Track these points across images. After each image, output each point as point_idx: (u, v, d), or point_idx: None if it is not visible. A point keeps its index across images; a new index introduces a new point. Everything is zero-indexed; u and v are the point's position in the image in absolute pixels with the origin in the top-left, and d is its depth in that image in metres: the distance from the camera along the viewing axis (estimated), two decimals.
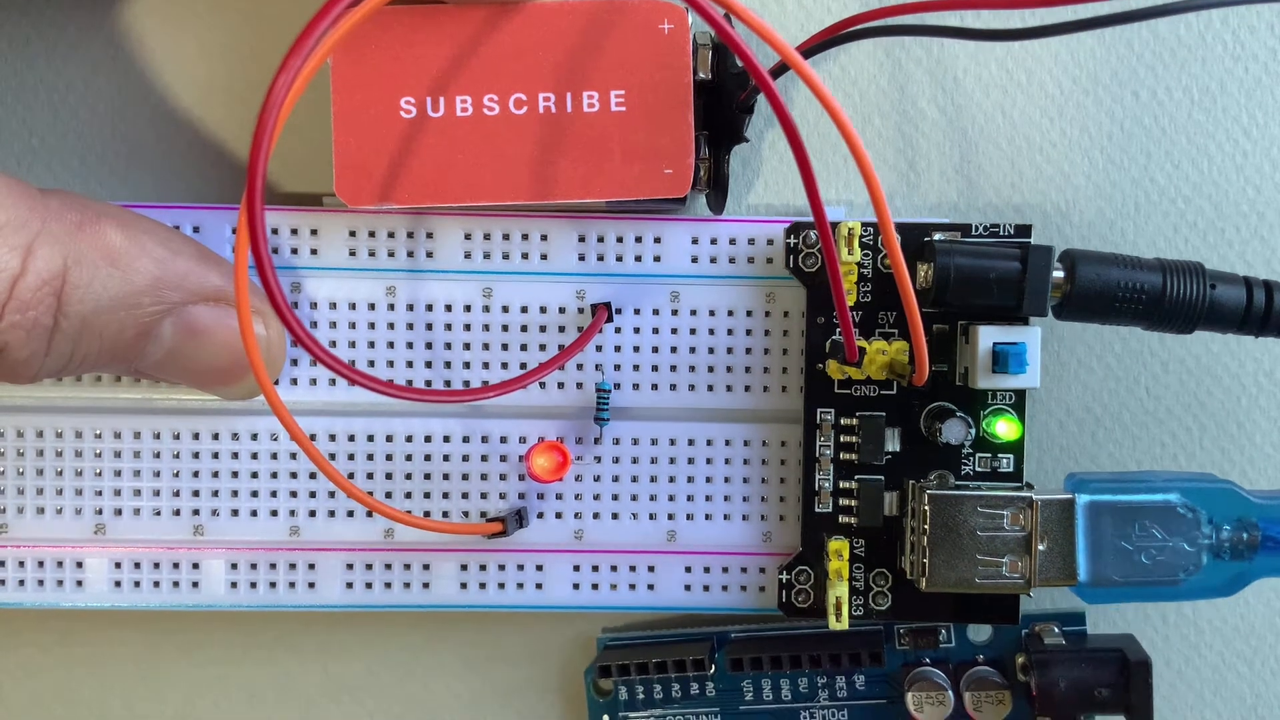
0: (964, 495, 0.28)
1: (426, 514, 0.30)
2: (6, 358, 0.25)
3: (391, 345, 0.30)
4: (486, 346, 0.30)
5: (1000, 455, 0.29)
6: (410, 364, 0.30)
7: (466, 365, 0.30)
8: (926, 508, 0.28)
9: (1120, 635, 0.31)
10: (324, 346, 0.25)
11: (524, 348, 0.30)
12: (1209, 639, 0.32)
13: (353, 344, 0.30)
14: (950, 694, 0.30)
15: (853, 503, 0.29)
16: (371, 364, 0.30)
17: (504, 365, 0.30)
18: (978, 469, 0.29)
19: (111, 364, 0.27)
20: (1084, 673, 0.29)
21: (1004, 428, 0.29)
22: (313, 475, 0.30)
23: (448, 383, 0.30)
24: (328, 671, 0.32)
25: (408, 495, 0.30)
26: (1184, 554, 0.28)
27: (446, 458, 0.30)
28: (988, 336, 0.28)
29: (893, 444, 0.29)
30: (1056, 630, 0.31)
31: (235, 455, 0.30)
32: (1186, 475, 0.30)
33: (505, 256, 0.30)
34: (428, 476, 0.30)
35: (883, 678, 0.31)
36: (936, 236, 0.28)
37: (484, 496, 0.30)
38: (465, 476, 0.30)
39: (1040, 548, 0.28)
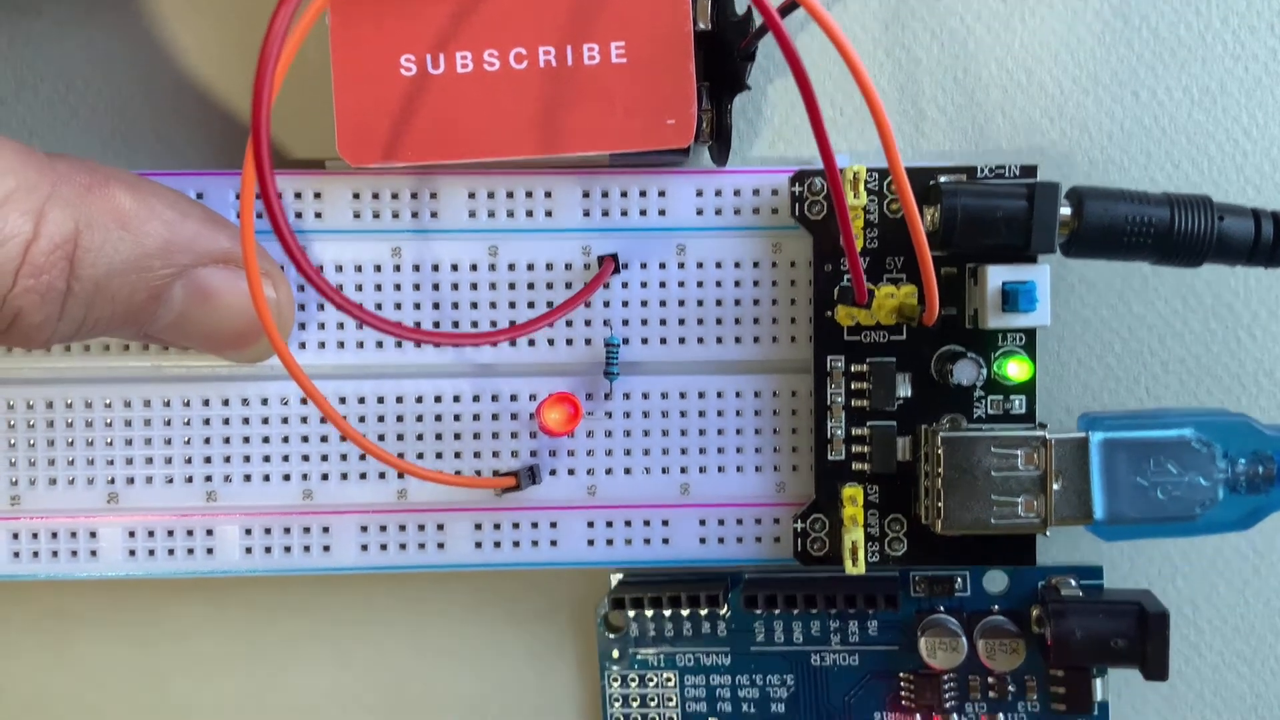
0: (977, 436, 0.28)
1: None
2: (21, 323, 0.25)
3: (399, 306, 0.30)
4: (494, 305, 0.30)
5: (1012, 397, 0.29)
6: (418, 324, 0.30)
7: (474, 324, 0.30)
8: (940, 450, 0.28)
9: (1138, 590, 0.31)
10: (336, 289, 0.25)
11: (531, 305, 0.30)
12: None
13: (360, 305, 0.30)
14: (964, 641, 0.30)
15: (865, 449, 0.29)
16: None
17: (511, 324, 0.30)
18: (990, 412, 0.29)
19: (123, 328, 0.27)
20: (1100, 623, 0.29)
21: (1015, 369, 0.29)
22: (324, 438, 0.30)
23: (455, 343, 0.30)
24: (344, 633, 0.32)
25: (419, 456, 0.30)
26: (1200, 489, 0.28)
27: (457, 418, 0.30)
28: (996, 276, 0.28)
29: (904, 389, 0.29)
30: (1073, 583, 0.31)
31: (246, 420, 0.30)
32: (1200, 410, 0.30)
33: (510, 214, 0.30)
34: (439, 437, 0.30)
35: (896, 624, 0.31)
36: (942, 179, 0.28)
37: (495, 455, 0.30)
38: (476, 436, 0.30)
39: (1055, 487, 0.28)
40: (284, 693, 0.33)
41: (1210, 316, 0.31)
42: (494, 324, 0.30)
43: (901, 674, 0.31)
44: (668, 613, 0.31)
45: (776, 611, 0.30)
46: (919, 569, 0.31)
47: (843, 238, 0.26)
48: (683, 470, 0.30)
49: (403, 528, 0.30)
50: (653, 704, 0.31)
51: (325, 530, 0.30)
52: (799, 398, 0.30)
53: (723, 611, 0.31)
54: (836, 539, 0.29)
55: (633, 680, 0.31)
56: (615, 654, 0.31)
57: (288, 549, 0.30)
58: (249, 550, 0.30)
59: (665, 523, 0.30)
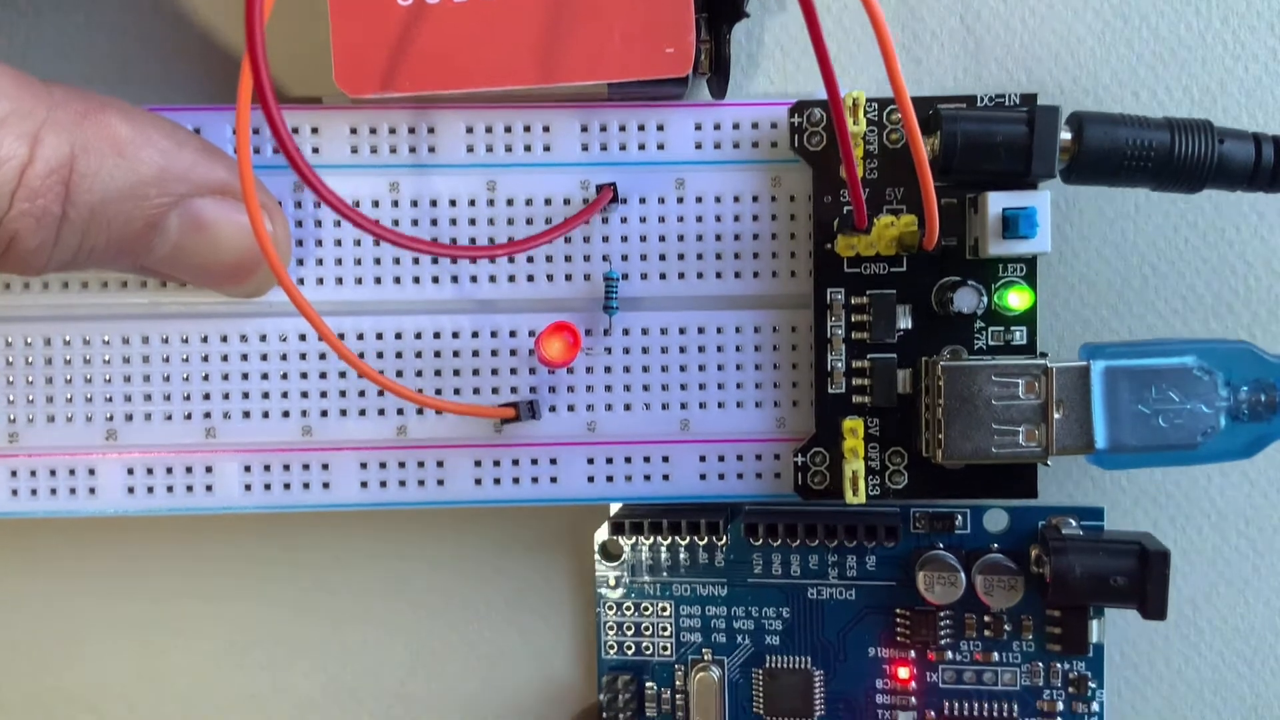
0: (978, 365, 0.28)
1: (439, 411, 0.30)
2: (16, 247, 0.25)
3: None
4: (492, 240, 0.30)
5: (1013, 328, 0.29)
6: (416, 260, 0.30)
7: (473, 260, 0.30)
8: (941, 380, 0.28)
9: (1139, 532, 0.31)
10: (349, 204, 0.25)
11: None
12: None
13: (358, 241, 0.30)
14: (962, 576, 0.30)
15: (866, 382, 0.29)
16: (378, 261, 0.30)
17: (510, 259, 0.30)
18: (991, 343, 0.29)
19: (118, 259, 0.27)
20: (1101, 560, 0.29)
21: (1016, 299, 0.29)
22: (324, 375, 0.30)
23: (454, 278, 0.30)
24: (344, 570, 0.32)
25: (419, 392, 0.30)
26: (1202, 417, 0.28)
27: (456, 354, 0.30)
28: (997, 202, 0.27)
29: (904, 321, 0.29)
30: (1074, 523, 0.30)
31: (245, 357, 0.30)
32: (1203, 339, 0.29)
33: (508, 149, 0.29)
34: (438, 373, 0.30)
35: (894, 560, 0.31)
36: (942, 107, 0.28)
37: (495, 392, 0.30)
38: (476, 372, 0.30)
39: (1056, 416, 0.28)
40: (281, 632, 0.32)
41: (1212, 246, 0.31)
42: (493, 259, 0.30)
43: (898, 610, 0.31)
44: (666, 541, 0.30)
45: (775, 543, 0.30)
46: (919, 505, 0.31)
47: (843, 158, 0.25)
48: (683, 406, 0.30)
49: (402, 464, 0.30)
50: (647, 633, 0.31)
51: (325, 467, 0.30)
52: (799, 333, 0.30)
53: (721, 542, 0.30)
54: (837, 472, 0.29)
55: (628, 609, 0.31)
56: (611, 582, 0.31)
57: (287, 486, 0.30)
58: (248, 487, 0.30)
59: (665, 459, 0.30)
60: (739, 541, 0.30)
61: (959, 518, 0.31)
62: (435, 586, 0.33)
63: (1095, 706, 0.30)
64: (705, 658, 0.31)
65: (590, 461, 0.30)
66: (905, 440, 0.29)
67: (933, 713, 0.31)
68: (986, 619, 0.31)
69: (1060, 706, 0.30)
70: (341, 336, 0.30)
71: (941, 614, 0.31)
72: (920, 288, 0.29)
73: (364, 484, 0.30)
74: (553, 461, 0.30)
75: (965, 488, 0.29)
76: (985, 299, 0.28)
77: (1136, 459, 0.28)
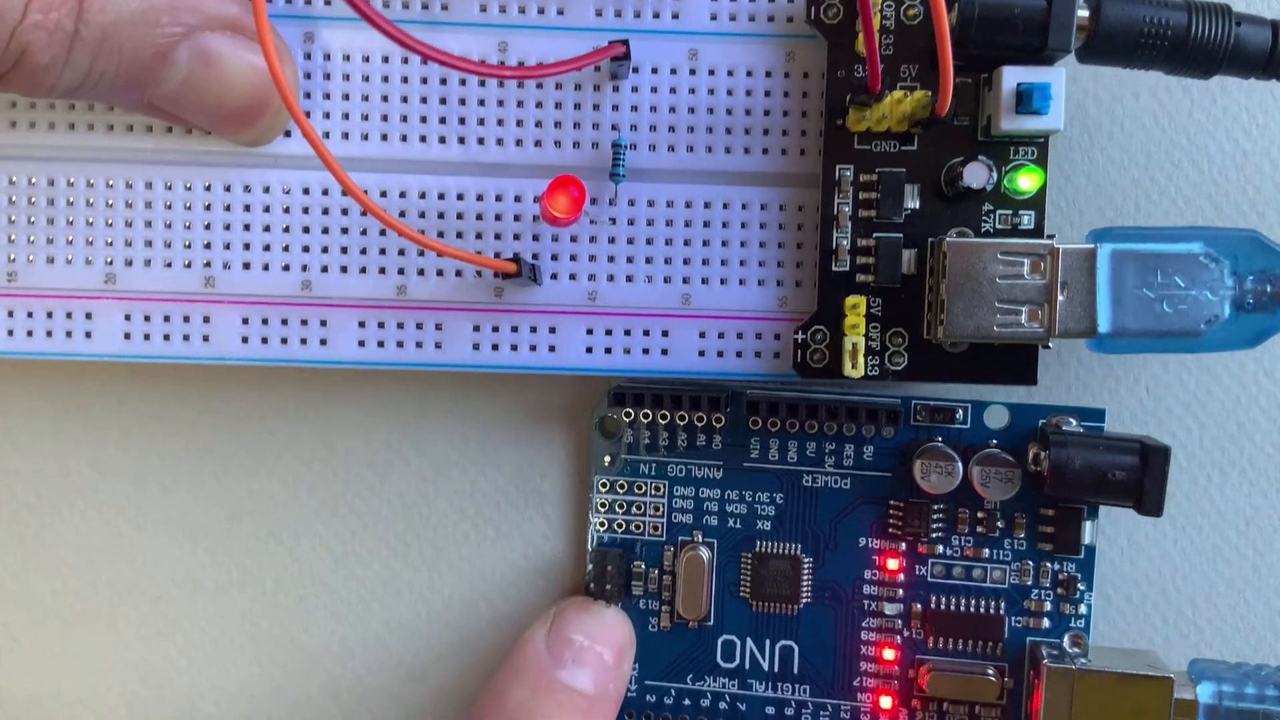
0: (984, 243, 0.28)
1: (439, 272, 0.30)
2: (27, 61, 0.24)
3: (405, 100, 0.29)
4: (501, 103, 0.29)
5: (1021, 212, 0.29)
6: (424, 119, 0.29)
7: (481, 122, 0.29)
8: (946, 256, 0.28)
9: (1139, 435, 0.30)
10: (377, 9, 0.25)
11: (539, 105, 0.29)
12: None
13: (366, 97, 0.29)
14: (959, 465, 0.30)
15: (870, 260, 0.29)
16: (385, 118, 0.29)
17: (519, 123, 0.30)
18: (998, 226, 0.29)
19: (127, 90, 0.26)
20: (1100, 455, 0.28)
21: (1026, 181, 0.28)
22: (325, 230, 0.30)
23: (462, 139, 0.30)
24: (341, 428, 0.32)
25: (421, 253, 0.30)
26: (1206, 304, 0.27)
27: (460, 216, 0.30)
28: (1012, 77, 0.27)
29: (912, 201, 0.29)
30: (1074, 422, 0.30)
31: (247, 207, 0.30)
32: (1210, 226, 0.29)
33: (521, 10, 0.29)
34: (441, 235, 0.30)
35: (892, 451, 0.31)
36: None
37: (498, 256, 0.30)
38: (479, 236, 0.30)
39: (1061, 298, 0.27)
40: (264, 486, 0.32)
41: (1225, 136, 0.31)
42: (501, 122, 0.29)
43: (891, 501, 0.31)
44: (664, 420, 0.30)
45: (774, 428, 0.30)
46: (921, 398, 0.30)
47: (860, 12, 0.25)
48: (685, 280, 0.30)
49: (401, 325, 0.30)
50: (639, 513, 0.31)
51: (323, 323, 0.30)
52: (805, 212, 0.30)
53: (720, 424, 0.30)
54: (837, 351, 0.29)
55: (621, 487, 0.31)
56: (607, 460, 0.31)
57: (285, 340, 0.30)
58: (245, 340, 0.30)
59: (665, 333, 0.30)
60: (737, 424, 0.30)
61: (960, 412, 0.30)
62: (428, 457, 0.32)
63: (1083, 609, 0.30)
64: (696, 539, 0.31)
65: (590, 332, 0.30)
66: (907, 322, 0.29)
67: (919, 606, 0.31)
68: (979, 514, 0.30)
69: (1048, 607, 0.30)
70: (344, 192, 0.29)
71: (935, 506, 0.30)
72: (930, 168, 0.29)
73: (361, 342, 0.30)
74: (552, 330, 0.30)
75: (965, 372, 0.29)
76: (995, 175, 0.28)
77: (1138, 344, 0.28)
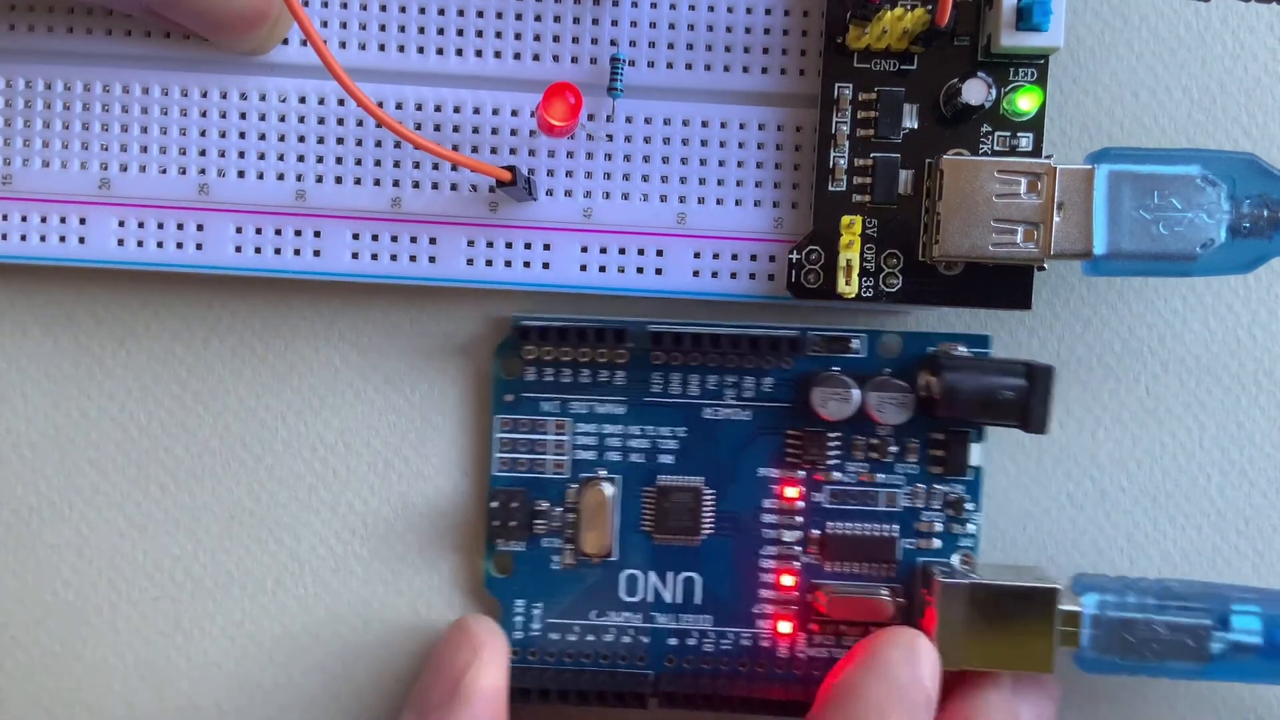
0: (982, 161, 0.27)
1: (434, 185, 0.30)
2: None
3: (403, 9, 0.29)
4: (500, 15, 0.29)
5: (1019, 134, 0.29)
6: (422, 29, 0.29)
7: (480, 33, 0.29)
8: (943, 174, 0.27)
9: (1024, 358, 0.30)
10: None
11: (538, 18, 0.29)
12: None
13: (364, 5, 0.29)
14: (855, 392, 0.30)
15: (867, 180, 0.29)
16: (383, 27, 0.29)
17: (517, 35, 0.29)
18: (996, 148, 0.29)
19: None
20: (989, 378, 0.29)
21: (1025, 101, 0.28)
22: (320, 140, 0.30)
23: (459, 51, 0.29)
24: (328, 340, 0.32)
25: (416, 165, 0.30)
26: (1203, 227, 0.27)
27: (456, 129, 0.30)
28: None
29: (910, 121, 0.29)
30: (962, 349, 0.30)
31: (243, 115, 0.29)
32: (1209, 149, 0.29)
33: None
34: None
35: (790, 381, 0.30)
36: None
37: None
38: (475, 149, 0.30)
39: (1057, 218, 0.27)
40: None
41: (1219, 58, 0.31)
42: (499, 34, 0.29)
43: (790, 431, 0.31)
44: (566, 357, 0.30)
45: (676, 362, 0.30)
46: (817, 328, 0.30)
47: None
48: (681, 199, 0.30)
49: (395, 238, 0.30)
50: (540, 451, 0.31)
51: (317, 234, 0.30)
52: (803, 133, 0.30)
53: (622, 360, 0.30)
54: (832, 271, 0.29)
55: (523, 426, 0.31)
56: (509, 398, 0.31)
57: (278, 251, 0.30)
58: (239, 249, 0.30)
59: (660, 252, 0.30)
60: (640, 361, 0.30)
61: (855, 341, 0.30)
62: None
63: (971, 528, 0.31)
64: (599, 476, 0.31)
65: (584, 250, 0.30)
66: (903, 244, 0.29)
67: (816, 532, 0.31)
68: (874, 441, 0.31)
69: (938, 528, 0.31)
70: (340, 103, 0.29)
71: (831, 435, 0.30)
72: (930, 88, 0.29)
73: (355, 255, 0.30)
74: (546, 247, 0.30)
75: (960, 295, 0.29)
76: (994, 92, 0.28)
77: (1133, 266, 0.28)
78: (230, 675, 0.32)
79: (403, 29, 0.29)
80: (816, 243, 0.29)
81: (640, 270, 0.30)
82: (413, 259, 0.30)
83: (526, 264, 0.30)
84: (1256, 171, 0.27)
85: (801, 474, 0.31)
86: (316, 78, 0.29)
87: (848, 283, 0.28)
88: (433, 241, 0.30)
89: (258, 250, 0.30)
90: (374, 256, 0.30)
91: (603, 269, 0.30)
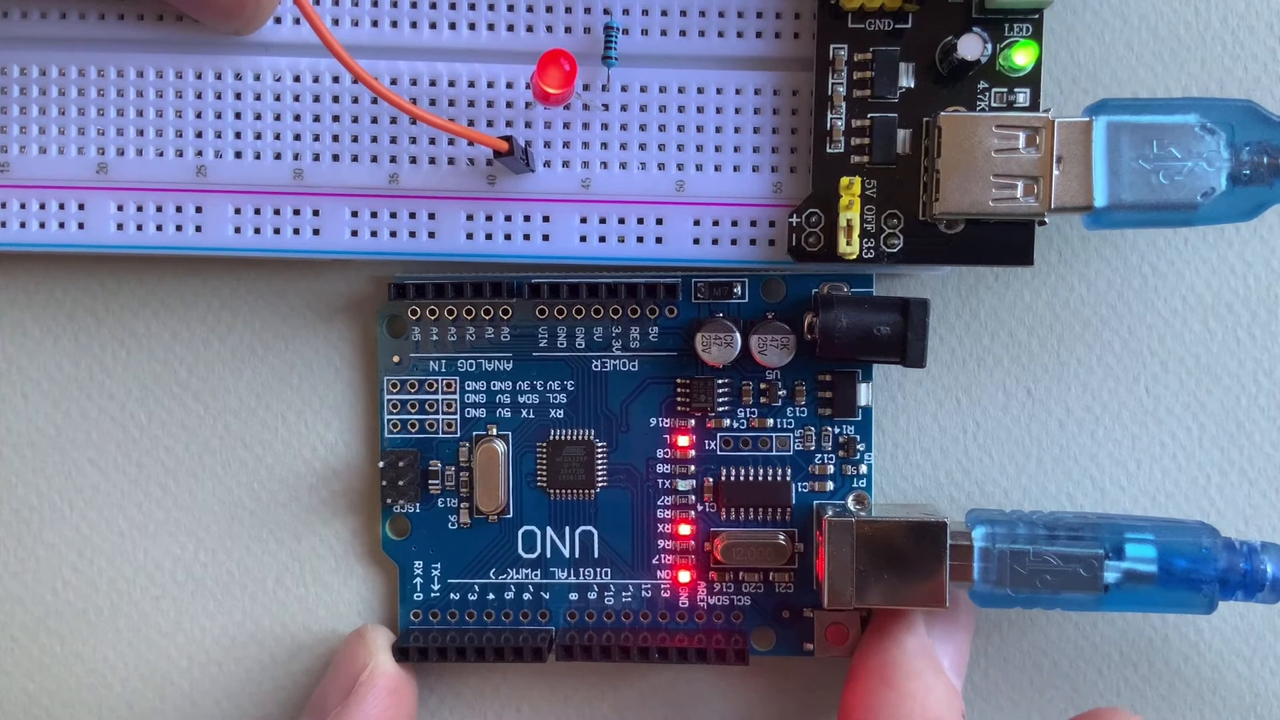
0: (980, 116, 0.27)
1: (432, 160, 0.30)
2: None
3: None
4: None
5: (1016, 90, 0.29)
6: (414, 4, 0.29)
7: (472, 6, 0.29)
8: (941, 131, 0.27)
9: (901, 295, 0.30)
10: None
11: None
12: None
13: None
14: (737, 336, 0.30)
15: (865, 141, 0.29)
16: (375, 3, 0.29)
17: (510, 7, 0.29)
18: (993, 105, 0.29)
19: None
20: (865, 314, 0.29)
21: (1021, 57, 0.28)
22: (317, 118, 0.30)
23: (453, 24, 0.29)
24: (327, 318, 0.32)
25: (413, 140, 0.30)
26: (1203, 175, 0.27)
27: (452, 102, 0.30)
28: None
29: (907, 79, 0.29)
30: (845, 289, 0.30)
31: (239, 95, 0.29)
32: (1207, 97, 0.29)
33: None
34: None
35: (676, 330, 0.31)
36: None
37: None
38: (471, 123, 0.30)
39: (1056, 171, 0.27)
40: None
41: (1214, 5, 0.30)
42: (491, 6, 0.29)
43: (678, 379, 0.31)
44: (451, 315, 0.30)
45: (560, 315, 0.30)
46: (701, 275, 0.30)
47: None
48: (679, 167, 0.30)
49: (394, 214, 0.30)
50: (430, 411, 0.31)
51: (316, 213, 0.30)
52: (799, 97, 0.30)
53: (507, 315, 0.30)
54: (832, 233, 0.29)
55: (412, 386, 0.31)
56: (395, 359, 0.31)
57: (277, 230, 0.30)
58: (238, 230, 0.30)
59: (659, 221, 0.30)
60: (525, 316, 0.30)
61: (737, 286, 0.30)
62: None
63: (864, 469, 0.31)
64: (490, 433, 0.31)
65: (583, 220, 0.30)
66: (903, 204, 0.29)
67: (710, 480, 0.31)
68: (762, 385, 0.31)
69: (831, 469, 0.31)
70: (335, 80, 0.29)
71: (720, 381, 0.31)
72: (925, 46, 0.29)
73: (354, 232, 0.30)
74: (545, 219, 0.30)
75: (961, 253, 0.29)
76: (989, 47, 0.28)
77: (1135, 218, 0.28)
78: (230, 675, 0.32)
79: (394, 4, 0.29)
80: (816, 205, 0.29)
81: (640, 240, 0.30)
82: (412, 234, 0.30)
83: (526, 236, 0.30)
84: (1255, 118, 0.27)
85: (692, 422, 0.31)
86: (311, 55, 0.29)
87: (849, 244, 0.28)
88: (431, 216, 0.30)
89: (256, 230, 0.30)
90: (373, 233, 0.30)
91: (603, 239, 0.30)
